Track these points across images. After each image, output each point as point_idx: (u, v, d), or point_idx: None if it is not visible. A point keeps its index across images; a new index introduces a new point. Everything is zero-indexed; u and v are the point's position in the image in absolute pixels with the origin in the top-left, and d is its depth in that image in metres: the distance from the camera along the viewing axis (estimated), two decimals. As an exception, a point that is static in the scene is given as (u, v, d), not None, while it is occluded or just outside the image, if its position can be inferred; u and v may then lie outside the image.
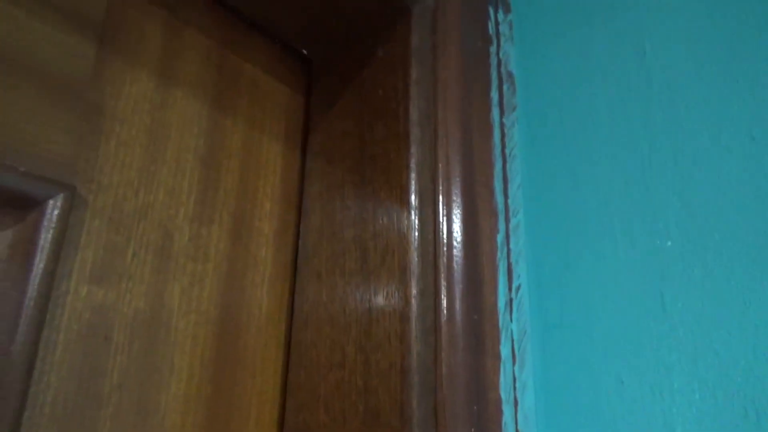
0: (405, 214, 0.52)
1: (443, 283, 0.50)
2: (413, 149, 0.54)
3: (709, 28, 0.60)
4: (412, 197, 0.52)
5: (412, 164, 0.54)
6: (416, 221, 0.52)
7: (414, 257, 0.50)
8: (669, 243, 0.56)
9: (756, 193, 0.53)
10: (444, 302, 0.50)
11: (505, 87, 0.66)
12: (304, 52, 0.66)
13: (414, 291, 0.49)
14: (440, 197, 0.53)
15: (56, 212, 0.40)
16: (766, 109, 0.54)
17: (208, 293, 0.51)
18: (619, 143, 0.62)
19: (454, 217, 0.53)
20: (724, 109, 0.57)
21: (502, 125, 0.64)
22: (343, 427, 0.49)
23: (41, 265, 0.38)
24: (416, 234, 0.51)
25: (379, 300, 0.50)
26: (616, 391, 0.55)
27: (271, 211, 0.59)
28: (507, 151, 0.63)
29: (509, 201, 0.61)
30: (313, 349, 0.54)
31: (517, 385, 0.54)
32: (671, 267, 0.55)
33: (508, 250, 0.58)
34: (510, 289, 0.57)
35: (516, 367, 0.54)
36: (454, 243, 0.52)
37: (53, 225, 0.40)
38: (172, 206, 0.49)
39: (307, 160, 0.63)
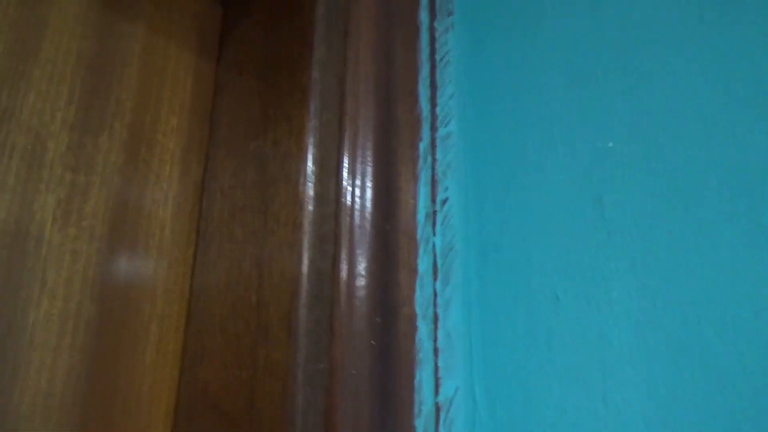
0: (305, 118, 0.47)
1: (346, 185, 0.45)
2: (316, 45, 0.49)
3: None
4: (311, 101, 0.47)
5: (314, 62, 0.48)
6: (315, 123, 0.46)
7: (310, 167, 0.45)
8: (611, 144, 0.50)
9: (708, 91, 0.46)
10: (347, 205, 0.45)
11: (439, -13, 0.60)
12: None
13: (310, 193, 0.44)
14: (347, 98, 0.48)
15: None
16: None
17: (92, 207, 0.47)
18: (565, 44, 0.55)
19: (360, 118, 0.48)
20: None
21: (432, 29, 0.58)
22: (237, 347, 0.44)
23: None
24: (312, 139, 0.46)
25: (276, 207, 0.45)
26: (551, 307, 0.49)
27: (178, 126, 0.54)
28: (437, 57, 0.57)
29: (437, 109, 0.55)
30: (212, 269, 0.49)
31: (439, 301, 0.48)
32: (612, 169, 0.49)
33: (434, 160, 0.53)
34: (434, 201, 0.52)
35: (438, 283, 0.49)
36: (359, 143, 0.46)
37: None
38: (46, 112, 0.45)
39: (219, 73, 0.58)
